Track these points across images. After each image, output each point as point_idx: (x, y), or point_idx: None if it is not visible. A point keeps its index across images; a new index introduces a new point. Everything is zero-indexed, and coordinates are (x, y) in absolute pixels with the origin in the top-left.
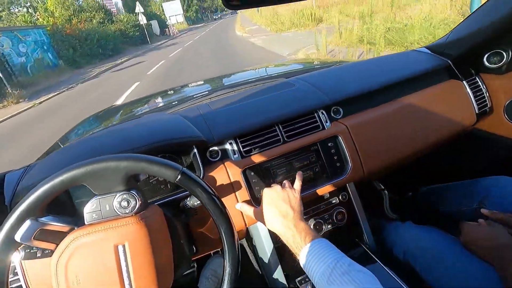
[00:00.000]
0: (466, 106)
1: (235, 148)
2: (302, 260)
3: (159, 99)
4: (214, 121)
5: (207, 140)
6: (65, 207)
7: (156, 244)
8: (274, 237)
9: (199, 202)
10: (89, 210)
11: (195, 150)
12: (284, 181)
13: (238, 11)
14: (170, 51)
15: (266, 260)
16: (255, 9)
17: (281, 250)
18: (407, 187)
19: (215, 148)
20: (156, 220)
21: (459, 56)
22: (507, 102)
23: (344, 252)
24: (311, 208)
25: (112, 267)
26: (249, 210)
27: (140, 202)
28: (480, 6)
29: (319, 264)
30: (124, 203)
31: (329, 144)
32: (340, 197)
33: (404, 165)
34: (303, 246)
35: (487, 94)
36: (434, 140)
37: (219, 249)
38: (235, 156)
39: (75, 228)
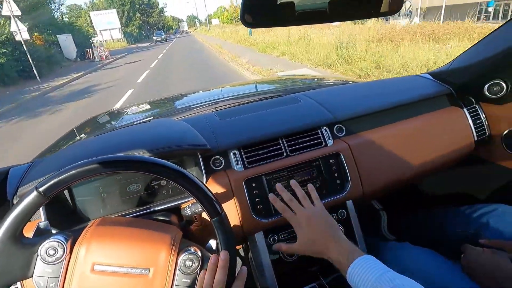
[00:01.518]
0: (465, 133)
1: (239, 158)
2: (349, 278)
3: (164, 105)
4: (220, 130)
5: (212, 149)
6: (64, 206)
7: None
8: (270, 250)
9: (200, 209)
10: None
11: (200, 158)
12: (306, 205)
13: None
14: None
15: (262, 273)
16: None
17: (277, 263)
18: (405, 208)
19: (219, 157)
20: None
21: (461, 84)
22: (506, 131)
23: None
24: None
25: None
26: (290, 249)
27: None
28: (482, 39)
29: (367, 277)
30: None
31: (331, 161)
32: (338, 214)
33: (404, 187)
34: (349, 265)
35: (486, 123)
36: (433, 164)
37: None
38: (238, 166)
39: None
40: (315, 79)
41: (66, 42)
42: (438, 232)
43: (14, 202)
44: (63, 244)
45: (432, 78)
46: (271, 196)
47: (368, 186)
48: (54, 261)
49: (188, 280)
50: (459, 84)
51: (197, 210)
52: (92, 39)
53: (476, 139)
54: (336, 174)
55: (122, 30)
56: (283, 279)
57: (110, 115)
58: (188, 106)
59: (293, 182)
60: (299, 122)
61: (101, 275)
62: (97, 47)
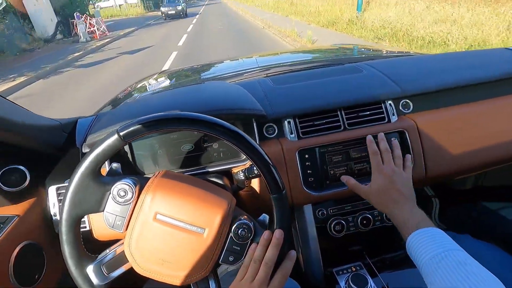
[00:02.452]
0: None
1: (293, 127)
2: (410, 242)
3: (213, 69)
4: (275, 97)
5: (267, 116)
6: (124, 159)
7: None
8: (317, 221)
9: (254, 174)
10: None
11: (254, 124)
12: (397, 163)
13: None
14: None
15: (306, 245)
16: None
17: (323, 238)
18: (461, 199)
19: (273, 124)
20: None
21: None
22: None
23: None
24: (360, 202)
25: None
26: (356, 186)
27: None
28: None
29: (432, 247)
30: None
31: (393, 139)
32: None
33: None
34: (414, 230)
35: None
36: (507, 155)
37: None
38: (291, 135)
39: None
40: (376, 50)
41: (36, 9)
42: (500, 228)
43: (83, 150)
44: (133, 188)
45: None
46: (369, 137)
47: (432, 170)
48: (123, 202)
49: (238, 248)
50: None
51: (250, 176)
52: (98, 4)
53: None
54: None
55: None
56: (327, 255)
57: (163, 75)
58: (239, 71)
59: (395, 143)
60: (362, 94)
61: (161, 224)
62: (89, 17)
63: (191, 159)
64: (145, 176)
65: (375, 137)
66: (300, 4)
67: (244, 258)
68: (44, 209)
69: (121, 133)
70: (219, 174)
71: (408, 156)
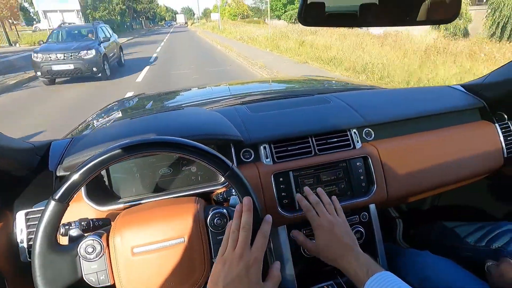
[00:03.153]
0: (495, 149)
1: (268, 152)
2: None
3: (191, 95)
4: (251, 124)
5: (244, 141)
6: (100, 182)
7: None
8: (292, 243)
9: (232, 195)
10: None
11: (232, 148)
12: (330, 211)
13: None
14: None
15: (281, 265)
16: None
17: (297, 258)
18: (422, 218)
19: (249, 149)
20: None
21: (494, 99)
22: None
23: None
24: None
25: None
26: (305, 244)
27: None
28: None
29: None
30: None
31: (358, 164)
32: (360, 217)
33: (423, 197)
34: (366, 281)
35: None
36: (459, 176)
37: None
38: (267, 160)
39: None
40: (341, 82)
41: None
42: (457, 245)
43: (58, 173)
44: (98, 240)
45: (464, 91)
46: (298, 195)
47: (393, 191)
48: (96, 257)
49: (223, 237)
50: (493, 99)
51: (228, 198)
52: (36, 25)
53: (506, 155)
54: (362, 177)
55: (81, 14)
56: (301, 274)
57: (140, 99)
58: (216, 98)
59: (320, 190)
60: (329, 122)
61: (142, 255)
62: None
63: (169, 182)
64: (105, 228)
65: (341, 161)
66: (314, 47)
67: None
68: (9, 235)
69: (56, 197)
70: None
71: (335, 198)
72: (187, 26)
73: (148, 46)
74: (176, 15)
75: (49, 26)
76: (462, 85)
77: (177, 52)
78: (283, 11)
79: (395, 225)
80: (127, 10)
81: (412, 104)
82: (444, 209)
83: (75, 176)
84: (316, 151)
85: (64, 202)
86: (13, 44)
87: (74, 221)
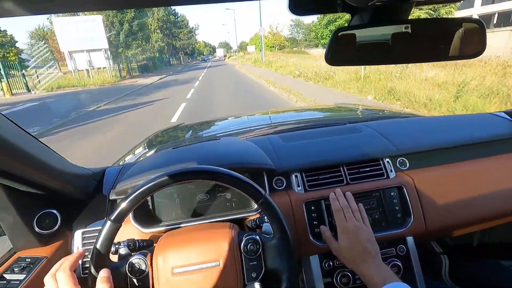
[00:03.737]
0: None
1: (300, 181)
2: None
3: (226, 124)
4: (283, 153)
5: (276, 169)
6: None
7: None
8: (324, 274)
9: (265, 222)
10: None
11: (265, 177)
12: (357, 217)
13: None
14: None
15: None
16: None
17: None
18: (469, 255)
19: (281, 177)
20: None
21: None
22: None
23: None
24: None
25: None
26: (329, 240)
27: None
28: None
29: None
30: None
31: (392, 194)
32: (397, 250)
33: (469, 232)
34: (382, 286)
35: None
36: (505, 211)
37: None
38: (298, 188)
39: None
40: (373, 111)
41: None
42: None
43: (110, 197)
44: (144, 259)
45: (509, 118)
46: (331, 195)
47: (431, 224)
48: (141, 274)
49: (255, 262)
50: None
51: (261, 224)
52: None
53: None
54: (397, 208)
55: (110, 53)
56: None
57: (181, 128)
58: (250, 127)
59: (349, 195)
60: (360, 151)
61: (181, 276)
62: None
63: (206, 208)
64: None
65: (375, 191)
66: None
67: (264, 270)
68: (68, 252)
69: (112, 218)
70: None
71: (361, 206)
72: (224, 59)
73: (179, 87)
74: (216, 49)
75: (74, 67)
76: (506, 112)
77: (215, 98)
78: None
79: (439, 262)
80: (165, 47)
81: (449, 132)
82: (495, 245)
83: (128, 201)
84: (348, 180)
85: (118, 223)
86: (31, 90)
87: (123, 241)
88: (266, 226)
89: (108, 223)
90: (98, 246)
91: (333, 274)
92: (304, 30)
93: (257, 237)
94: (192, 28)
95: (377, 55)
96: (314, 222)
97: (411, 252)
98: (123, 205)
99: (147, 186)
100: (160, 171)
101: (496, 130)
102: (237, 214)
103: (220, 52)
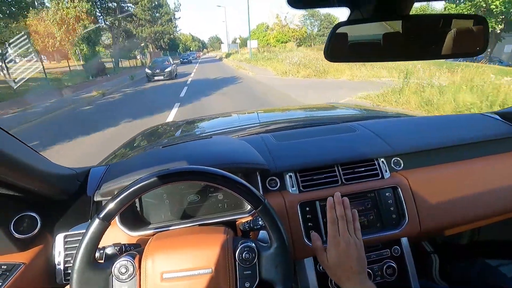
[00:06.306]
0: None
1: (294, 181)
2: None
3: (218, 123)
4: (277, 153)
5: (270, 169)
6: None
7: None
8: (319, 277)
9: (259, 225)
10: None
11: (258, 177)
12: (349, 233)
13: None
14: None
15: None
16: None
17: None
18: (460, 255)
19: (275, 178)
20: None
21: None
22: None
23: None
24: None
25: None
26: (318, 251)
27: None
28: None
29: None
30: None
31: (387, 194)
32: (392, 251)
33: (461, 231)
34: None
35: None
36: (498, 209)
37: None
38: (293, 188)
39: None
40: (366, 110)
41: None
42: (503, 285)
43: (95, 198)
44: (131, 261)
45: (500, 119)
46: (329, 201)
47: (426, 224)
48: (128, 278)
49: (250, 271)
50: None
51: (255, 227)
52: None
53: None
54: (392, 208)
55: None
56: None
57: (170, 126)
58: (242, 126)
59: (346, 203)
60: (356, 151)
61: (170, 282)
62: None
63: (196, 209)
64: (138, 249)
65: (370, 191)
66: None
67: (258, 280)
68: (49, 257)
69: (101, 216)
70: (223, 225)
71: (356, 214)
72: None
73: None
74: (221, 44)
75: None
76: (497, 113)
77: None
78: None
79: (430, 261)
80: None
81: (443, 132)
82: (484, 244)
83: (118, 200)
84: (343, 180)
85: (106, 221)
86: None
87: (108, 246)
88: (263, 234)
89: (97, 221)
90: (83, 246)
91: (327, 276)
92: (320, 22)
93: (253, 245)
94: (172, 10)
95: (370, 54)
96: (309, 224)
97: (406, 253)
98: (112, 204)
99: (140, 184)
100: (149, 170)
101: (489, 130)
102: (229, 216)
103: (222, 48)
